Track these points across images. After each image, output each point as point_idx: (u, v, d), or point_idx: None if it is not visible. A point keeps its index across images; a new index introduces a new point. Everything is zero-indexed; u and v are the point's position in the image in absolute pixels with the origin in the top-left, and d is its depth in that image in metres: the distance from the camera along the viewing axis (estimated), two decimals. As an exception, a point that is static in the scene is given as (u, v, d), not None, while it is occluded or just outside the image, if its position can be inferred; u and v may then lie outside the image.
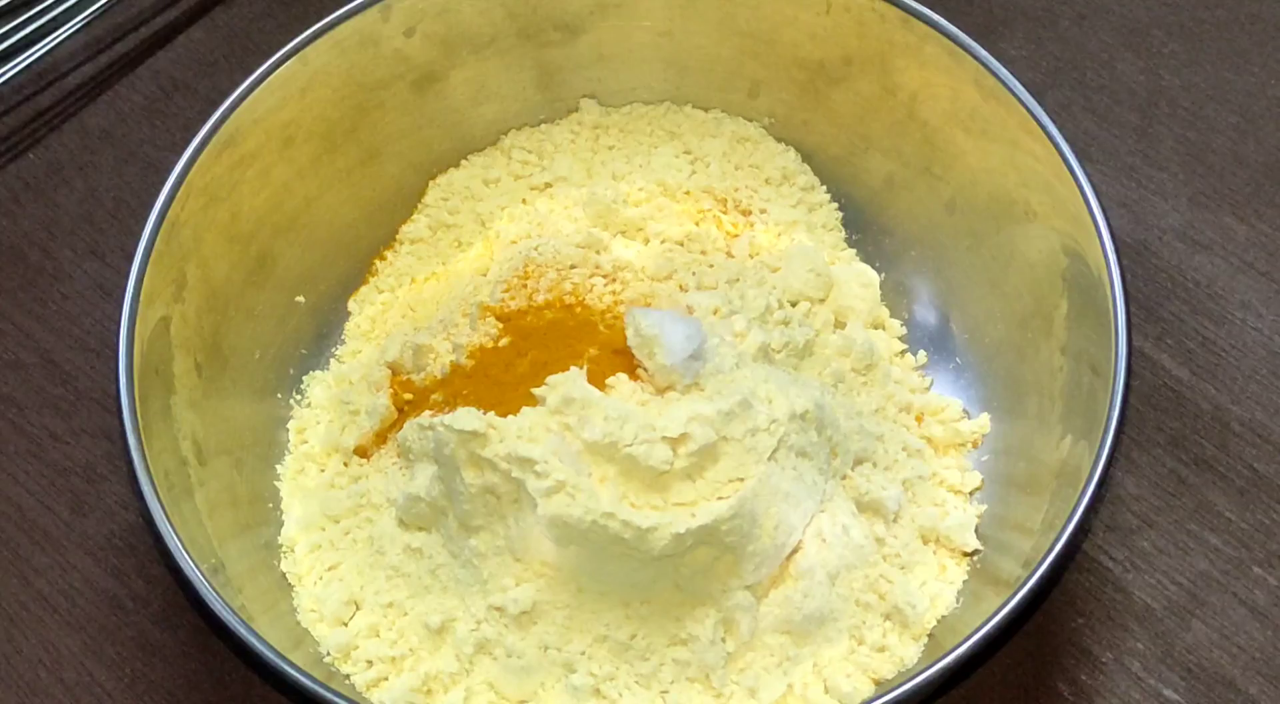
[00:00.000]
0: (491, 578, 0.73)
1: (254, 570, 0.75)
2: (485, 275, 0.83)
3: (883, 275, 0.84)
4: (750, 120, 0.87)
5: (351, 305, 0.84)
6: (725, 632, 0.73)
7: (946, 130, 0.82)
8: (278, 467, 0.80)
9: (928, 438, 0.80)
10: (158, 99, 0.93)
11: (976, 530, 0.77)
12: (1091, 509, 0.69)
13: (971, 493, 0.78)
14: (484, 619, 0.73)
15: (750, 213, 0.86)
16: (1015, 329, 0.80)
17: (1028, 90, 0.77)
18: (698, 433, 0.71)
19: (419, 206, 0.86)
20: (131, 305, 0.73)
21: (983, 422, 0.80)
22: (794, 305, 0.81)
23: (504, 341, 0.80)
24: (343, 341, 0.83)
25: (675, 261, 0.83)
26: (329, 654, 0.74)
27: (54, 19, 0.90)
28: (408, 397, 0.80)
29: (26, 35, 0.89)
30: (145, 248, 0.75)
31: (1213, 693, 0.75)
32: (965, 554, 0.77)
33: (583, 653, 0.72)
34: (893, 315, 0.83)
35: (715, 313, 0.79)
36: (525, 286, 0.82)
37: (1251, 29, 0.92)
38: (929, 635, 0.74)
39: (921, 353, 0.83)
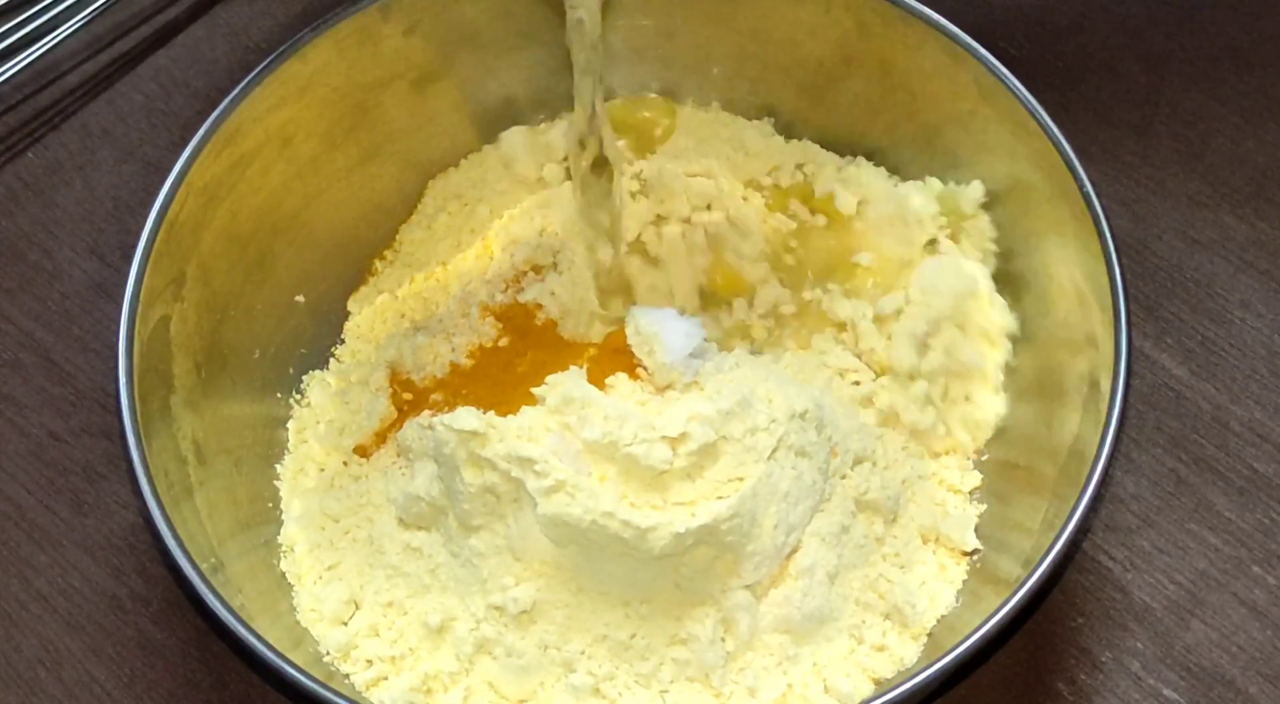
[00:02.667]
0: (491, 577, 0.73)
1: (253, 570, 0.75)
2: (485, 275, 0.83)
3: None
4: (750, 120, 0.87)
5: (351, 305, 0.84)
6: (725, 631, 0.73)
7: (946, 130, 0.82)
8: (277, 466, 0.80)
9: (928, 437, 0.80)
10: (157, 98, 0.93)
11: (976, 530, 0.77)
12: (1091, 509, 0.69)
13: (971, 493, 0.78)
14: (484, 619, 0.73)
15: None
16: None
17: (1028, 90, 0.77)
18: (697, 432, 0.71)
19: (419, 207, 0.86)
20: (131, 305, 0.73)
21: (982, 421, 0.80)
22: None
23: (504, 341, 0.80)
24: (342, 341, 0.83)
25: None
26: (328, 654, 0.74)
27: (54, 17, 0.90)
28: (407, 396, 0.80)
29: (26, 34, 0.89)
30: (145, 247, 0.75)
31: (1212, 693, 0.75)
32: (965, 553, 0.77)
33: (582, 652, 0.72)
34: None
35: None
36: (524, 286, 0.82)
37: (1251, 29, 0.92)
38: (928, 635, 0.74)
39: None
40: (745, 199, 0.85)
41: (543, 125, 0.87)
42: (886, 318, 0.80)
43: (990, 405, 0.79)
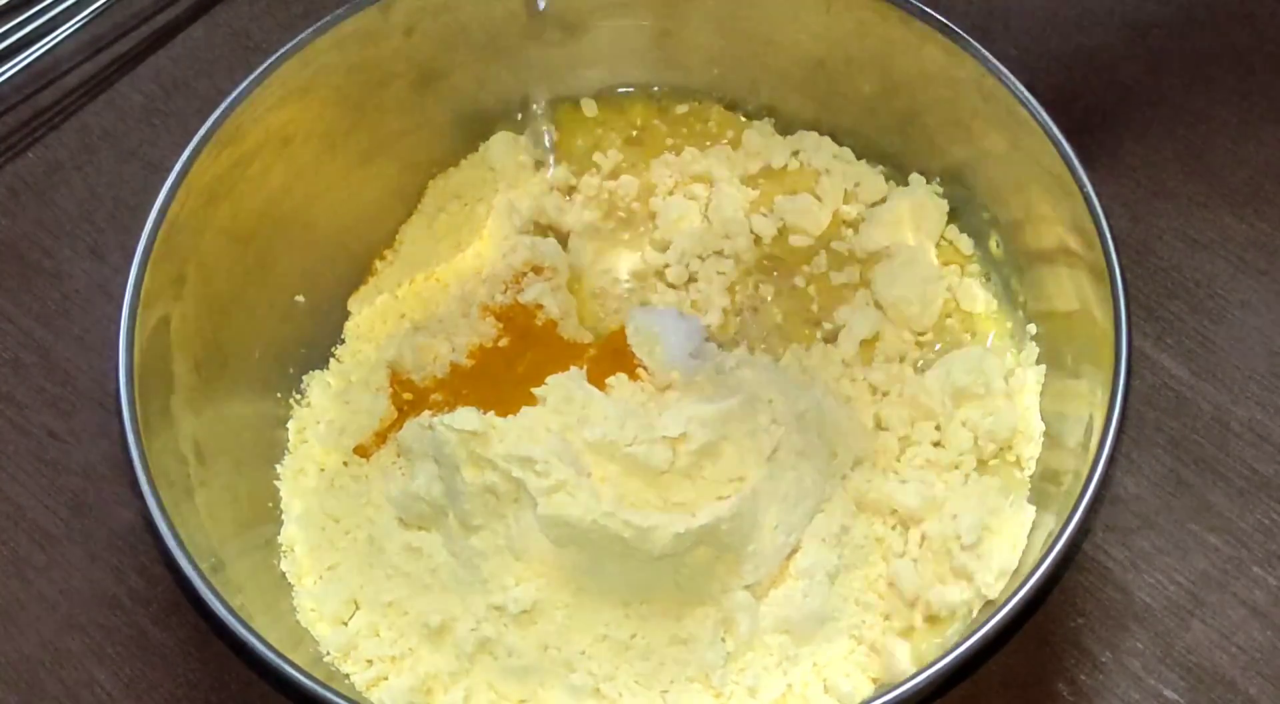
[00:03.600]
0: (491, 577, 0.73)
1: (254, 570, 0.75)
2: (485, 275, 0.83)
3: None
4: (750, 120, 0.87)
5: (351, 305, 0.84)
6: (725, 631, 0.73)
7: (946, 130, 0.82)
8: (277, 466, 0.80)
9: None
10: (158, 98, 0.93)
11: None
12: (1091, 509, 0.69)
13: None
14: (484, 618, 0.73)
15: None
16: (1015, 329, 0.80)
17: (1028, 90, 0.77)
18: (697, 432, 0.71)
19: (418, 207, 0.86)
20: (131, 305, 0.73)
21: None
22: None
23: (504, 341, 0.80)
24: (343, 341, 0.83)
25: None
26: (329, 653, 0.74)
27: (54, 18, 0.90)
28: (408, 396, 0.80)
29: (26, 34, 0.89)
30: (145, 247, 0.75)
31: (1212, 693, 0.75)
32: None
33: (582, 652, 0.72)
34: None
35: None
36: (524, 286, 0.82)
37: (1252, 29, 0.92)
38: (929, 635, 0.75)
39: (922, 353, 0.83)
40: (742, 193, 0.85)
41: (543, 125, 0.87)
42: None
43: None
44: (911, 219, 0.82)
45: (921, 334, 0.80)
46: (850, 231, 0.84)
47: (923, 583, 0.73)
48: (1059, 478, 0.74)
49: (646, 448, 0.71)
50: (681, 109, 0.88)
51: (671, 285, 0.83)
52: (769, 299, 0.82)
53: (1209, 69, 0.91)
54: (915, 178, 0.84)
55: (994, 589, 0.71)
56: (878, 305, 0.81)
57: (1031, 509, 0.74)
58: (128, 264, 0.74)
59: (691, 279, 0.83)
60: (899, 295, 0.80)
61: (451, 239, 0.85)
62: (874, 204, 0.84)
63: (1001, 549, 0.73)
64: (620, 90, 0.88)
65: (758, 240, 0.84)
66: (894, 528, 0.75)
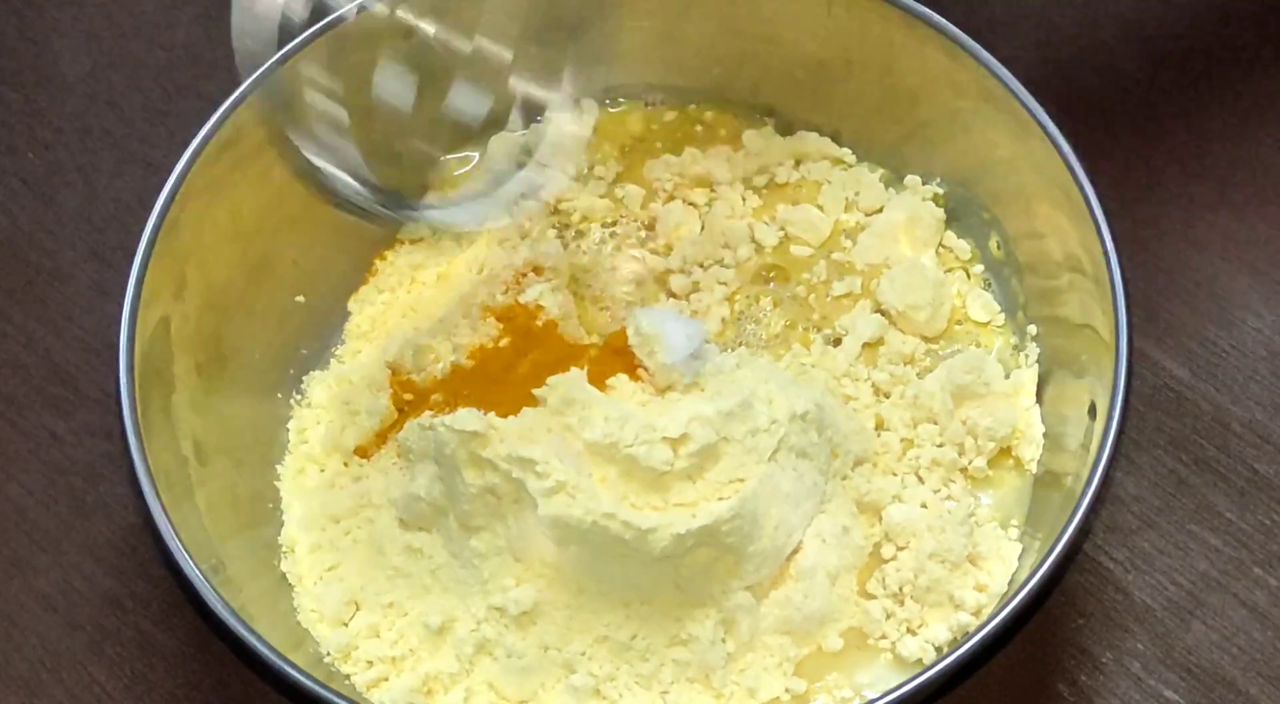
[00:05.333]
0: (492, 578, 0.73)
1: (254, 570, 0.75)
2: (485, 275, 0.83)
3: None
4: (750, 120, 0.87)
5: (352, 305, 0.84)
6: (726, 632, 0.73)
7: (947, 131, 0.82)
8: (278, 466, 0.80)
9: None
10: (158, 99, 0.93)
11: (977, 531, 0.77)
12: (1092, 509, 0.69)
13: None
14: (484, 619, 0.73)
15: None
16: (1016, 329, 0.80)
17: (1028, 90, 0.77)
18: (698, 433, 0.71)
19: (419, 206, 0.86)
20: (131, 305, 0.73)
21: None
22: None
23: (504, 342, 0.80)
24: (343, 341, 0.83)
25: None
26: (329, 654, 0.74)
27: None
28: (408, 397, 0.80)
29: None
30: (145, 248, 0.75)
31: (1213, 693, 0.75)
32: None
33: (583, 653, 0.72)
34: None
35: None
36: (524, 286, 0.82)
37: (1251, 29, 0.92)
38: (929, 635, 0.75)
39: (923, 355, 0.83)
40: (744, 199, 0.85)
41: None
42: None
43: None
44: (907, 230, 0.82)
45: (933, 340, 0.80)
46: (850, 242, 0.83)
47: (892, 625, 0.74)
48: (1060, 479, 0.74)
49: (647, 449, 0.71)
50: (681, 110, 0.88)
51: (674, 294, 0.83)
52: (769, 309, 0.82)
53: (1209, 69, 0.91)
54: (911, 180, 0.84)
55: (983, 614, 0.71)
56: (883, 313, 0.81)
57: (1018, 546, 0.74)
58: (128, 264, 0.74)
59: (695, 288, 0.83)
60: (909, 303, 0.80)
61: (452, 239, 0.85)
62: (872, 213, 0.84)
63: (994, 576, 0.73)
64: (620, 91, 0.88)
65: (759, 249, 0.84)
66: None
